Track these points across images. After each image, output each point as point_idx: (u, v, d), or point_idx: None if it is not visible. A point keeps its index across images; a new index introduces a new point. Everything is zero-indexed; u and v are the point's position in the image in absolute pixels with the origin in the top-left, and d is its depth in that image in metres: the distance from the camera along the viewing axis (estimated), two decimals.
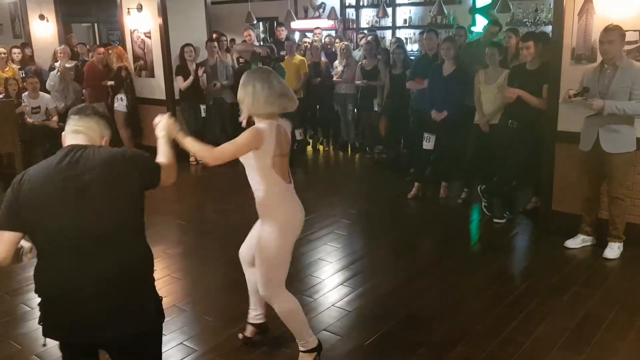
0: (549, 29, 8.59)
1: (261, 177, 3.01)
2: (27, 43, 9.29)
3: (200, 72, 7.43)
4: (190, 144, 2.85)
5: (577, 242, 4.66)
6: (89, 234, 2.11)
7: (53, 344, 2.42)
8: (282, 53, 8.17)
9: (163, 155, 2.51)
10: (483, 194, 5.54)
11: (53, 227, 2.11)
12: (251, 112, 2.98)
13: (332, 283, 4.24)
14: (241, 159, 3.02)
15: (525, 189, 5.67)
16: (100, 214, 2.12)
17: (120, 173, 2.17)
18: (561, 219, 4.89)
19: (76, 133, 2.26)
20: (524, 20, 8.99)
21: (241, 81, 2.99)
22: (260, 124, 2.96)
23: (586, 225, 4.65)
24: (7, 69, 8.16)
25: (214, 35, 8.47)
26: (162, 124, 2.66)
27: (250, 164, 3.00)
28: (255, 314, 3.48)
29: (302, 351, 3.18)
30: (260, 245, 3.10)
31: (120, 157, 2.19)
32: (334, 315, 3.76)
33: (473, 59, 6.00)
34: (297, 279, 4.31)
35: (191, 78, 7.48)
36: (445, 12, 9.23)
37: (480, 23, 9.53)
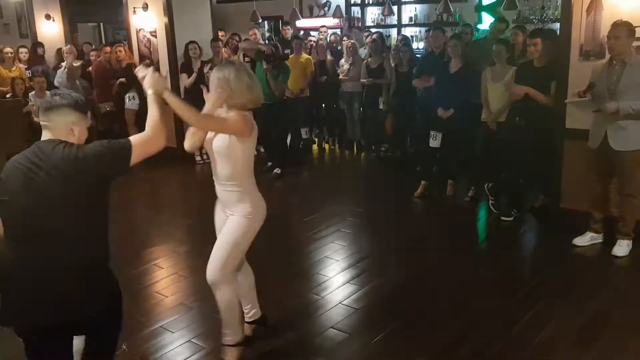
0: (556, 26, 8.57)
1: (242, 166, 3.06)
2: (40, 43, 9.26)
3: (206, 69, 7.43)
4: (177, 104, 2.78)
5: (586, 239, 4.63)
6: (41, 228, 2.22)
7: None
8: (287, 51, 8.17)
9: (149, 117, 2.52)
10: (490, 192, 5.52)
11: (11, 216, 2.27)
12: (235, 103, 2.99)
13: (339, 281, 4.23)
14: (216, 147, 3.03)
15: (533, 186, 5.63)
16: (51, 210, 2.22)
17: (70, 175, 2.22)
18: (569, 217, 4.86)
19: (44, 129, 2.35)
20: (531, 17, 8.93)
21: (223, 73, 2.98)
22: (244, 112, 3.00)
23: (595, 222, 4.62)
24: (14, 68, 8.19)
25: (220, 34, 8.49)
26: (149, 81, 2.62)
27: (230, 152, 3.01)
28: (252, 312, 3.51)
29: (229, 345, 3.23)
30: (227, 231, 3.16)
31: (72, 159, 2.23)
32: (341, 313, 3.75)
33: (480, 56, 5.97)
34: (305, 277, 4.32)
35: (194, 75, 7.48)
36: (452, 9, 9.20)
37: (487, 20, 9.52)
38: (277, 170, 7.15)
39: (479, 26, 9.11)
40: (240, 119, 2.96)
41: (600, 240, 4.62)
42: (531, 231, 5.25)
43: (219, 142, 3.02)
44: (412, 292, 4.03)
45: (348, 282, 4.20)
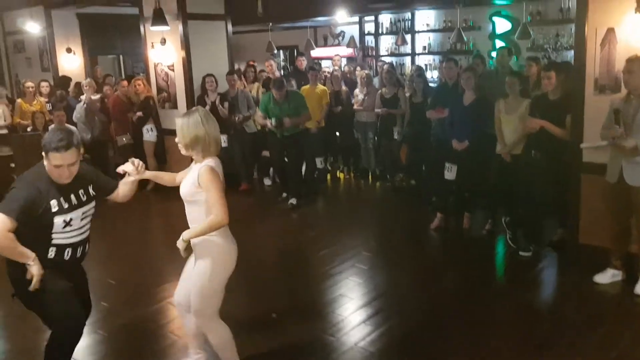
0: (571, 54, 8.59)
1: (206, 212, 3.10)
2: (68, 77, 9.39)
3: (218, 103, 7.53)
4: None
5: (607, 277, 4.54)
6: None
7: None
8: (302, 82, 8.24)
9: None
10: (508, 226, 5.45)
11: None
12: (206, 151, 3.10)
13: (354, 321, 4.17)
14: (188, 197, 3.13)
15: (551, 220, 5.55)
16: None
17: None
18: (589, 252, 4.77)
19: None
20: (545, 45, 8.92)
21: (191, 121, 3.08)
22: (209, 162, 3.08)
23: (615, 259, 4.53)
24: (35, 102, 8.36)
25: (250, 62, 8.63)
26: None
27: (195, 199, 3.09)
28: (197, 357, 3.53)
29: None
30: (197, 278, 3.19)
31: None
32: (356, 356, 3.69)
33: (492, 87, 5.96)
34: (319, 316, 4.27)
35: (207, 107, 7.55)
36: (465, 38, 9.24)
37: (500, 25, 9.55)
38: (292, 201, 7.16)
39: (493, 54, 9.12)
40: (213, 176, 3.03)
41: (622, 278, 4.52)
42: (550, 267, 5.15)
43: (184, 189, 3.15)
44: (428, 333, 3.96)
45: (363, 322, 4.14)
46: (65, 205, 3.00)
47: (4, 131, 8.20)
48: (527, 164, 5.14)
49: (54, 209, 2.95)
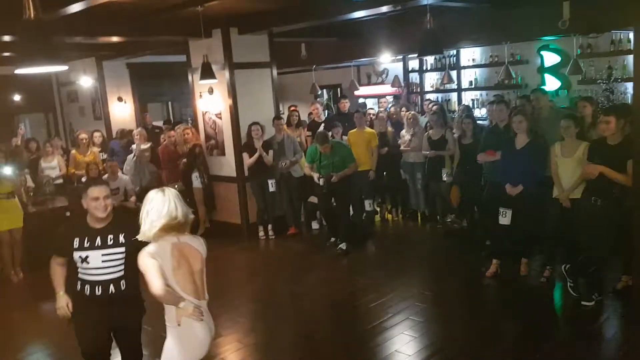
0: (624, 86, 8.34)
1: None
2: (127, 131, 9.59)
3: (262, 151, 7.61)
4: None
5: None
6: None
7: None
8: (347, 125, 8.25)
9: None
10: (568, 274, 5.23)
11: None
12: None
13: None
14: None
15: (614, 267, 5.30)
16: None
17: None
18: None
19: None
20: (597, 79, 8.68)
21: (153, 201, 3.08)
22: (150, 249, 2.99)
23: None
24: (88, 153, 8.62)
25: (292, 108, 8.70)
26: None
27: None
28: None
29: None
30: (163, 355, 3.14)
31: None
32: None
33: (546, 130, 5.81)
34: None
35: (257, 155, 7.63)
36: (513, 74, 9.09)
37: (550, 82, 9.35)
38: (342, 246, 7.08)
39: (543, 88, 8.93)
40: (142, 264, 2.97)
41: None
42: (615, 317, 4.89)
43: None
44: None
45: None
46: (86, 244, 3.34)
47: (60, 181, 8.48)
48: (587, 209, 4.94)
49: (75, 246, 3.35)
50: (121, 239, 3.38)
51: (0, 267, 6.94)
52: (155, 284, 2.90)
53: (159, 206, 2.99)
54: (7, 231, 6.80)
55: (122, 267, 3.39)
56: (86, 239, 3.34)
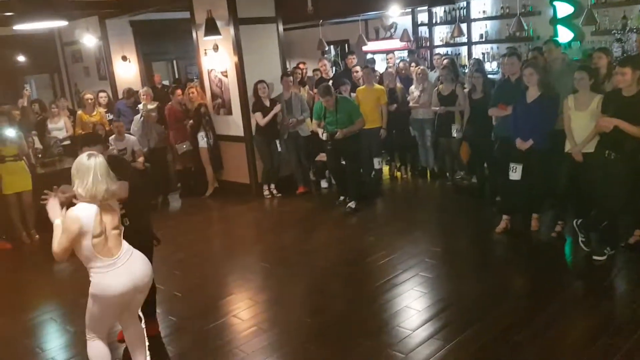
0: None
1: (81, 249, 3.28)
2: (134, 91, 9.35)
3: (277, 109, 7.51)
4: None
5: None
6: None
7: None
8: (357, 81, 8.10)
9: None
10: (580, 229, 5.19)
11: None
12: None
13: (422, 335, 4.05)
14: None
15: (626, 221, 5.24)
16: None
17: None
18: None
19: None
20: (612, 30, 8.44)
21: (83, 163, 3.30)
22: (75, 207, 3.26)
23: None
24: (94, 113, 8.55)
25: (302, 66, 8.57)
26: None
27: None
28: None
29: None
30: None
31: None
32: None
33: (558, 83, 5.67)
34: (385, 330, 4.18)
35: (271, 114, 7.54)
36: (525, 26, 8.84)
37: (563, 34, 9.09)
38: (351, 205, 7.06)
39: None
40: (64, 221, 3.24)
41: None
42: (628, 272, 4.86)
43: None
44: (500, 351, 3.77)
45: (432, 337, 4.01)
46: None
47: (67, 142, 8.45)
48: (600, 164, 4.86)
49: None
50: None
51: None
52: (58, 247, 3.22)
53: (86, 173, 3.23)
54: (15, 194, 6.81)
55: (121, 205, 3.57)
56: None
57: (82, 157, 3.28)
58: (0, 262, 6.50)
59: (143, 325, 4.00)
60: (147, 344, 3.91)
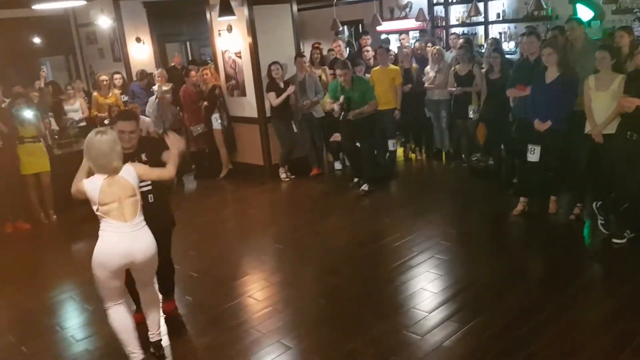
0: None
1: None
2: (147, 73, 9.32)
3: (290, 90, 7.47)
4: None
5: None
6: None
7: None
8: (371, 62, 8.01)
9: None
10: (599, 211, 5.11)
11: None
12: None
13: (437, 317, 4.03)
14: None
15: None
16: None
17: None
18: None
19: None
20: (634, 8, 8.24)
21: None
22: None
23: None
24: (110, 95, 8.56)
25: (317, 45, 8.50)
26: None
27: None
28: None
29: None
30: None
31: None
32: (444, 357, 3.57)
33: (578, 62, 5.57)
34: (401, 312, 4.17)
35: (284, 95, 7.50)
36: (544, 4, 8.67)
37: (582, 13, 8.90)
38: (364, 187, 7.02)
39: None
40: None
41: None
42: None
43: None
44: (517, 334, 3.73)
45: (448, 319, 4.00)
46: None
47: (83, 124, 8.49)
48: (621, 145, 4.76)
49: None
50: (143, 158, 3.88)
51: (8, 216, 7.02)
52: (72, 186, 3.54)
53: (91, 149, 3.42)
54: (33, 175, 6.87)
55: (148, 182, 3.81)
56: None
57: (91, 134, 3.46)
58: (19, 243, 6.57)
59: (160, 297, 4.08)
60: (160, 311, 3.97)
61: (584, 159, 5.33)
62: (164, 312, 4.26)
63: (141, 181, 3.66)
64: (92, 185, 3.46)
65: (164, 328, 4.15)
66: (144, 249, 3.52)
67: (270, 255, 5.65)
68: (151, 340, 3.84)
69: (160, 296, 4.15)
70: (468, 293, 4.38)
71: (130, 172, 3.54)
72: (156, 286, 3.97)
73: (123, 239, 3.46)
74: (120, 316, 3.62)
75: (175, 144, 3.78)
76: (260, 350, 3.85)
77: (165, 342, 4.00)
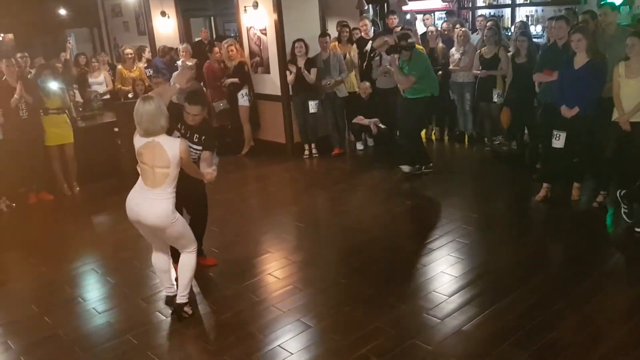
0: None
1: None
2: (169, 48, 9.35)
3: (304, 69, 7.43)
4: None
5: None
6: None
7: None
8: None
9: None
10: (623, 199, 5.07)
11: None
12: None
13: (458, 301, 4.05)
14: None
15: None
16: None
17: None
18: None
19: None
20: None
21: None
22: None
23: None
24: (134, 69, 8.60)
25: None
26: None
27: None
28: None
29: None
30: None
31: None
32: (464, 341, 3.59)
33: (608, 48, 5.46)
34: (421, 295, 4.19)
35: (294, 74, 7.49)
36: None
37: None
38: (404, 168, 6.88)
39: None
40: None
41: None
42: None
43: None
44: (538, 321, 3.73)
45: (468, 303, 4.01)
46: (183, 131, 4.24)
47: (107, 96, 8.55)
48: None
49: (180, 129, 4.24)
50: (201, 139, 4.30)
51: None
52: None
53: (135, 113, 3.73)
54: (57, 146, 6.96)
55: (196, 157, 4.26)
56: (183, 127, 4.24)
57: (139, 101, 3.78)
58: (42, 213, 6.70)
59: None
60: (188, 279, 4.09)
61: (611, 146, 5.27)
62: (205, 265, 4.81)
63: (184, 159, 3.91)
64: (137, 142, 3.83)
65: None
66: (152, 218, 3.79)
67: (291, 233, 5.69)
68: (176, 301, 4.07)
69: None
70: (489, 278, 4.39)
71: (174, 147, 3.75)
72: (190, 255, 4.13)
73: (139, 199, 3.82)
74: (154, 259, 4.16)
75: (207, 174, 4.09)
76: (280, 328, 3.90)
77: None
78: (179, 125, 4.24)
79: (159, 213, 3.77)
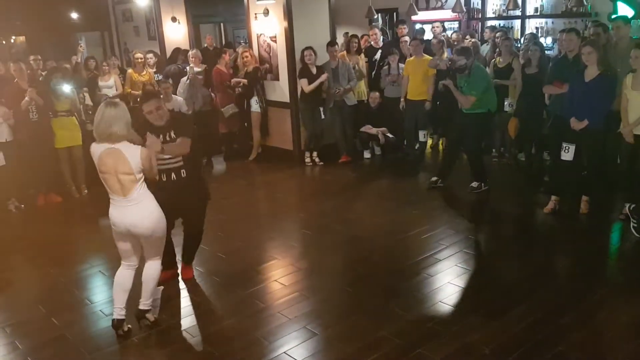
0: None
1: None
2: (179, 49, 9.44)
3: (323, 78, 7.46)
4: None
5: None
6: None
7: None
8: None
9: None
10: (632, 214, 5.05)
11: None
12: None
13: (464, 312, 4.04)
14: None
15: None
16: None
17: None
18: None
19: None
20: None
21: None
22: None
23: None
24: (144, 73, 8.64)
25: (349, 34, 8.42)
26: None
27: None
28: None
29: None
30: None
31: None
32: (474, 354, 3.57)
33: (616, 60, 5.46)
34: (427, 305, 4.18)
35: (317, 82, 7.50)
36: (585, 1, 8.49)
37: (623, 11, 8.70)
38: (474, 185, 6.64)
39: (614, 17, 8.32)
40: None
41: None
42: None
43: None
44: (547, 334, 3.72)
45: (474, 315, 3.99)
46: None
47: (117, 100, 8.57)
48: None
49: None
50: (172, 135, 4.11)
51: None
52: None
53: (95, 116, 3.66)
54: (66, 148, 7.00)
55: (180, 158, 4.14)
56: (154, 133, 3.96)
57: (102, 104, 3.70)
58: (50, 215, 6.72)
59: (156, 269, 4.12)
60: (153, 286, 4.05)
61: (622, 160, 5.25)
62: (183, 279, 4.71)
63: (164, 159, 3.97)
64: (95, 149, 3.71)
65: (189, 309, 4.28)
66: (135, 223, 3.75)
67: (297, 240, 5.69)
68: (139, 307, 4.01)
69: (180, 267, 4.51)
70: (495, 290, 4.37)
71: (134, 155, 3.65)
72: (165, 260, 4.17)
73: (119, 211, 3.77)
74: (119, 274, 3.98)
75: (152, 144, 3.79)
76: (286, 335, 3.89)
77: (192, 322, 4.12)
78: (148, 133, 3.96)
79: (142, 215, 3.76)
